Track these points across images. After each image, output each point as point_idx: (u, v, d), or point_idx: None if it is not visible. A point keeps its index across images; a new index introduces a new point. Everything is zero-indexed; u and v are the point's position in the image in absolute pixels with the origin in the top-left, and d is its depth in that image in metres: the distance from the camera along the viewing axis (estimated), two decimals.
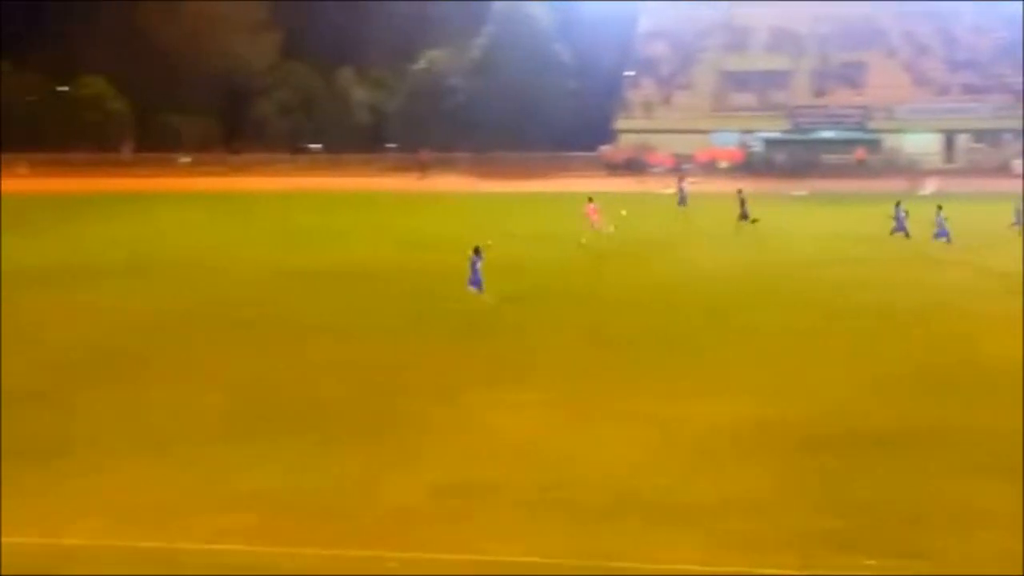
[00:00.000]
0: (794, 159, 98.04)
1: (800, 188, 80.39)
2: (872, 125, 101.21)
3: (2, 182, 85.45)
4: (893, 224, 51.78)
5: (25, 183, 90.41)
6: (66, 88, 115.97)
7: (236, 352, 31.12)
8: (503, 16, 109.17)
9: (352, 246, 52.85)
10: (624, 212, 55.10)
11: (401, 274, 43.76)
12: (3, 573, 16.27)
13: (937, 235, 49.66)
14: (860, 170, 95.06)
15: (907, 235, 50.87)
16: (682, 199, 64.28)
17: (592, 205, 53.57)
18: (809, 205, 71.79)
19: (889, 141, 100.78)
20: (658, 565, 16.46)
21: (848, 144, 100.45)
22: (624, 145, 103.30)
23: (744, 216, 56.18)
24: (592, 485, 19.87)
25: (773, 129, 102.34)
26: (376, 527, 18.14)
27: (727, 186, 69.29)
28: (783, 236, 54.51)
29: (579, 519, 18.31)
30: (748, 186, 64.40)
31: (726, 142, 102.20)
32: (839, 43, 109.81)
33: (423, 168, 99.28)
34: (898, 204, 52.24)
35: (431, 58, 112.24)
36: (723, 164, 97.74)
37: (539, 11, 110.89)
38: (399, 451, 22.00)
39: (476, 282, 36.54)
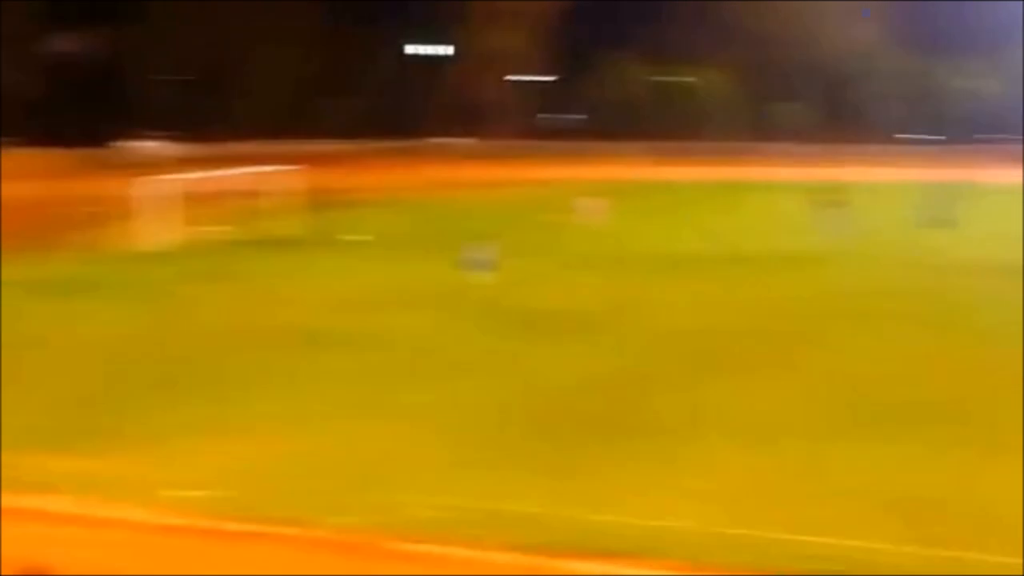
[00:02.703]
0: None
1: None
2: None
3: (626, 171, 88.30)
4: None
5: (636, 172, 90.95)
6: (673, 78, 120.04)
7: (852, 345, 30.92)
8: None
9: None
10: None
11: None
12: (588, 548, 17.00)
13: None
14: None
15: None
16: None
17: None
18: None
19: None
20: None
21: None
22: None
23: None
24: None
25: None
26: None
27: None
28: None
29: None
30: None
31: None
32: None
33: None
34: None
35: None
36: None
37: None
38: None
39: None
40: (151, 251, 48.74)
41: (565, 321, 34.11)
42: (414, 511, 18.46)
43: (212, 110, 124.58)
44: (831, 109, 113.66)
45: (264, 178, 59.21)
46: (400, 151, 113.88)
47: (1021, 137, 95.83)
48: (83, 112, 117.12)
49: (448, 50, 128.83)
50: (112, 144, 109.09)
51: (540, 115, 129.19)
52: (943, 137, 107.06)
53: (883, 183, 78.84)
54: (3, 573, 15.36)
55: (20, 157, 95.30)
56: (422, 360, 29.45)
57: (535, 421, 23.93)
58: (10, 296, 38.10)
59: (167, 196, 51.23)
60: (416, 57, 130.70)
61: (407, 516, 18.28)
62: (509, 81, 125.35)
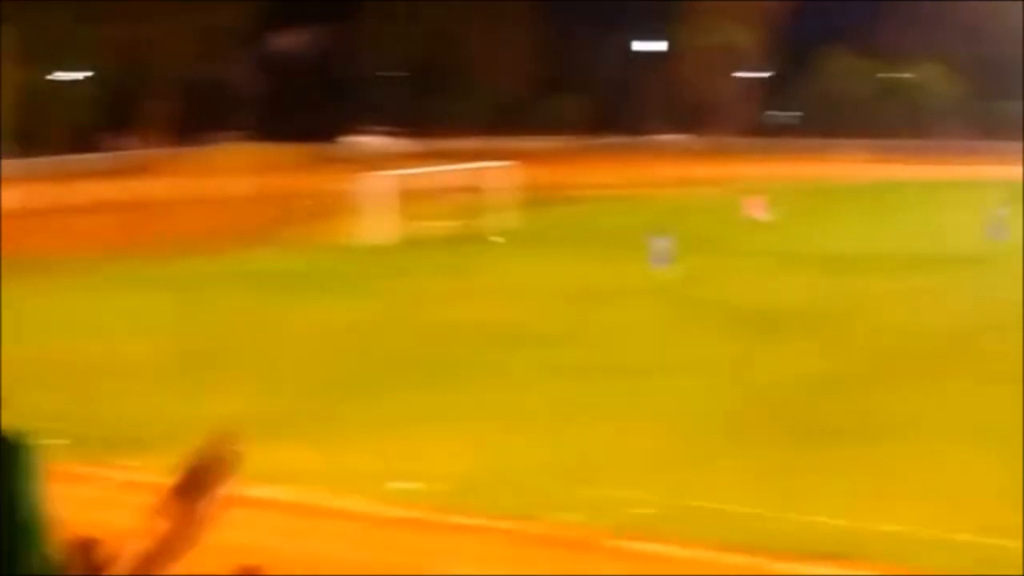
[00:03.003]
0: None
1: None
2: None
3: (838, 168, 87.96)
4: None
5: (858, 170, 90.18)
6: (902, 75, 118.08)
7: None
8: None
9: None
10: None
11: None
12: (794, 551, 16.86)
13: None
14: None
15: None
16: None
17: None
18: None
19: None
20: None
21: None
22: None
23: None
24: None
25: None
26: None
27: None
28: None
29: None
30: None
31: None
32: None
33: None
34: None
35: None
36: None
37: None
38: None
39: None
40: (371, 245, 49.55)
41: (770, 319, 33.76)
42: (630, 508, 18.47)
43: (432, 106, 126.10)
44: None
45: (482, 174, 59.67)
46: (618, 148, 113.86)
47: None
48: (305, 108, 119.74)
49: (665, 46, 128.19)
50: (334, 140, 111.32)
51: (761, 112, 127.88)
52: None
53: None
54: (214, 565, 15.65)
55: (245, 152, 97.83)
56: (633, 357, 29.41)
57: (750, 419, 23.76)
58: (234, 288, 39.16)
59: (387, 191, 52.02)
60: (637, 53, 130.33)
61: (623, 513, 18.29)
62: (728, 77, 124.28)
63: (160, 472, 16.08)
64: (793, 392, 25.88)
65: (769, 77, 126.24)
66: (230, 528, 14.70)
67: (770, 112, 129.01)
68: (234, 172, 75.82)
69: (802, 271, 42.46)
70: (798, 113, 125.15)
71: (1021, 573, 15.92)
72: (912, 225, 55.34)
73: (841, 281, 40.36)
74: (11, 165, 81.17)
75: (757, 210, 53.19)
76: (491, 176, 58.51)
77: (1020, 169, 70.38)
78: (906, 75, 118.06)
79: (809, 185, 75.31)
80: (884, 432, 22.67)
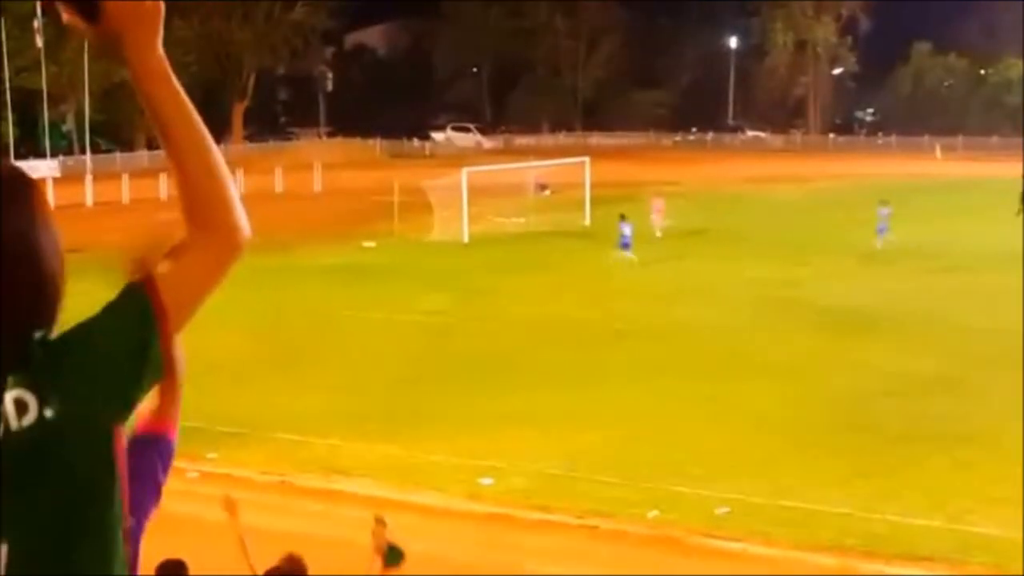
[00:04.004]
0: None
1: None
2: None
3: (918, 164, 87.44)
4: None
5: (939, 166, 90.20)
6: (989, 70, 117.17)
7: None
8: None
9: None
10: None
11: None
12: (894, 552, 16.71)
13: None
14: None
15: None
16: None
17: None
18: None
19: None
20: None
21: None
22: None
23: None
24: None
25: None
26: None
27: None
28: None
29: None
30: None
31: None
32: None
33: None
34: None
35: None
36: None
37: None
38: None
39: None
40: (449, 240, 49.59)
41: (865, 318, 33.34)
42: (717, 506, 18.28)
43: (513, 102, 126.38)
44: None
45: (562, 171, 59.57)
46: (699, 145, 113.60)
47: None
48: (386, 104, 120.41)
49: (750, 43, 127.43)
50: (414, 135, 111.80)
51: (848, 110, 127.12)
52: None
53: None
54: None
55: (327, 147, 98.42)
56: (723, 354, 29.16)
57: (841, 419, 23.41)
58: (316, 284, 39.31)
59: (465, 187, 52.00)
60: (721, 49, 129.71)
61: (711, 512, 18.10)
62: (813, 75, 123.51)
63: (238, 466, 16.01)
64: (883, 393, 25.44)
65: (855, 74, 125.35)
66: (318, 521, 14.64)
67: (856, 111, 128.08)
68: (316, 168, 76.18)
69: (898, 272, 41.92)
70: (883, 111, 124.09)
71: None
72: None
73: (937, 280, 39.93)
74: (98, 160, 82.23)
75: (657, 214, 51.97)
76: (570, 172, 58.40)
77: None
78: (992, 72, 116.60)
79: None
80: (975, 433, 22.32)
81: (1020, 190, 56.37)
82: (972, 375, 26.83)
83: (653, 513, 18.09)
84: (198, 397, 24.22)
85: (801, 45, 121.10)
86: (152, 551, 3.85)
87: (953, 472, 20.19)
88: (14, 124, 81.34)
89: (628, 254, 43.64)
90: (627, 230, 44.22)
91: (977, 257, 44.00)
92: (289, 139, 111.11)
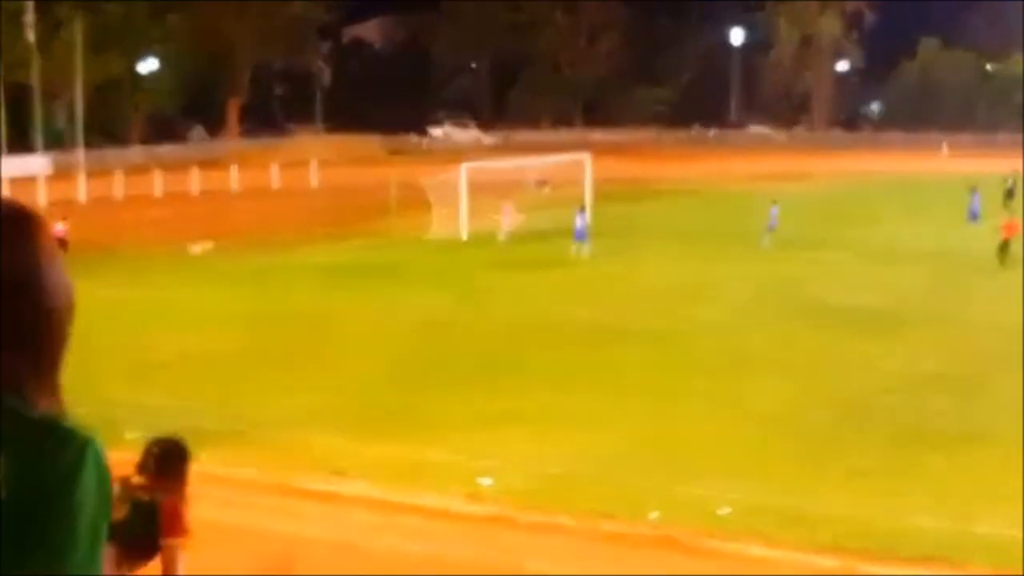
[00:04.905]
0: None
1: None
2: None
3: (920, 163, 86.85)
4: None
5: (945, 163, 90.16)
6: (996, 66, 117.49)
7: None
8: None
9: None
10: None
11: None
12: (895, 552, 16.57)
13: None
14: None
15: None
16: None
17: None
18: None
19: None
20: None
21: None
22: None
23: None
24: None
25: None
26: None
27: None
28: None
29: None
30: None
31: None
32: None
33: None
34: None
35: None
36: None
37: None
38: None
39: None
40: (448, 238, 49.46)
41: (866, 316, 33.24)
42: (719, 507, 18.12)
43: (514, 97, 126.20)
44: None
45: (562, 167, 59.49)
46: (703, 140, 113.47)
47: None
48: (385, 99, 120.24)
49: (754, 38, 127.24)
50: (413, 131, 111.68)
51: (853, 105, 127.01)
52: None
53: None
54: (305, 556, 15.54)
55: (325, 143, 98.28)
56: (726, 353, 29.03)
57: (844, 419, 23.29)
58: (313, 281, 39.16)
59: (465, 183, 51.87)
60: (724, 44, 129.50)
61: (712, 512, 17.95)
62: (819, 70, 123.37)
63: (231, 465, 15.79)
64: (885, 391, 25.35)
65: (860, 69, 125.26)
66: (317, 522, 14.51)
67: (862, 106, 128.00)
68: (313, 164, 76.08)
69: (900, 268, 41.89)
70: (889, 106, 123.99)
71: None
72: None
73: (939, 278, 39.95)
74: (91, 156, 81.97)
75: (505, 216, 51.71)
76: (571, 169, 58.28)
77: None
78: (999, 67, 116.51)
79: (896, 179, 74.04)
80: (981, 433, 22.19)
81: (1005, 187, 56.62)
82: (980, 373, 26.55)
83: (654, 514, 17.93)
84: (196, 396, 24.20)
85: (806, 40, 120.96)
86: None
87: (964, 472, 20.10)
88: (6, 121, 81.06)
89: (583, 245, 45.53)
90: (579, 222, 46.25)
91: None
92: (286, 135, 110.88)
